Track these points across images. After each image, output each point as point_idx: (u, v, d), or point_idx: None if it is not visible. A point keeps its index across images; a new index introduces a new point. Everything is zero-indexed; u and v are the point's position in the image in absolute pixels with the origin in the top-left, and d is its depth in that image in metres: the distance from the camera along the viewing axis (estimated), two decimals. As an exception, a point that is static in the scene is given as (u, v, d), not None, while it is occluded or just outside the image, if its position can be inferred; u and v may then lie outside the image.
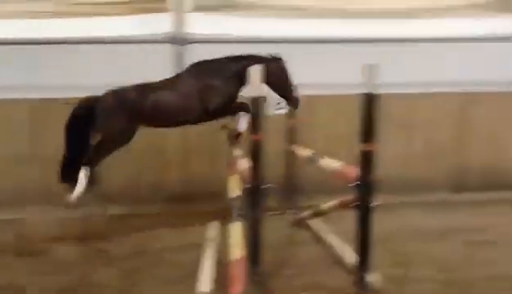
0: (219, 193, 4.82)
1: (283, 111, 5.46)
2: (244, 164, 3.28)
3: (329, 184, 5.39)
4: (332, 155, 4.64)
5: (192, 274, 3.89)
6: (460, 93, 6.62)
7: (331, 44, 6.32)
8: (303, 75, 6.02)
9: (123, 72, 6.10)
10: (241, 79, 4.81)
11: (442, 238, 4.97)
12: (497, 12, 6.86)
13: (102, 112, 4.78)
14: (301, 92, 5.90)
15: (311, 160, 4.54)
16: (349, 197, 3.24)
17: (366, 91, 2.77)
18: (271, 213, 5.72)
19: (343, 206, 3.54)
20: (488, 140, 6.75)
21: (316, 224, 5.07)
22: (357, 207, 2.98)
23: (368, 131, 2.85)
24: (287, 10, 6.33)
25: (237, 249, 2.84)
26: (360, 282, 3.29)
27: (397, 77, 6.29)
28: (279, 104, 5.57)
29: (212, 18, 6.15)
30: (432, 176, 6.66)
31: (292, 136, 5.47)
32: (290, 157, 5.59)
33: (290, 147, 5.46)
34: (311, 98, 6.30)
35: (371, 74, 2.75)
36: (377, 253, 4.44)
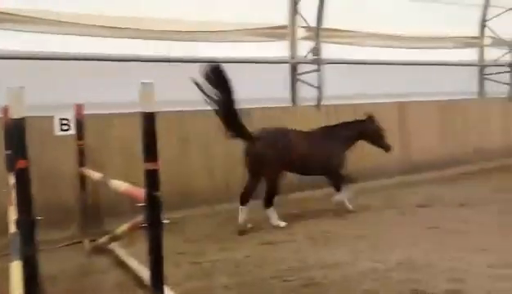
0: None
1: (70, 132, 5.11)
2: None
3: (125, 206, 5.28)
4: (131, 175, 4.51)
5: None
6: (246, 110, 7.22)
7: (111, 62, 6.18)
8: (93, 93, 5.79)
9: None
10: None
11: (239, 243, 5.31)
12: (270, 38, 7.75)
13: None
14: (92, 111, 5.65)
15: (101, 183, 4.32)
16: (139, 217, 3.17)
17: (142, 109, 2.76)
18: (67, 243, 5.30)
19: (134, 227, 3.45)
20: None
21: (116, 248, 4.84)
22: (147, 226, 2.92)
23: (149, 150, 2.83)
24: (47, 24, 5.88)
25: (15, 291, 2.50)
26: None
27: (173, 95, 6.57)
28: (65, 124, 5.19)
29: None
30: (229, 186, 7.08)
31: (82, 158, 5.12)
32: (83, 180, 5.24)
33: (81, 170, 5.11)
34: (102, 117, 6.08)
35: (147, 92, 2.75)
36: (178, 268, 4.51)
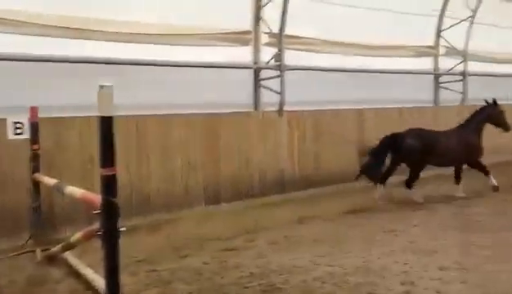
0: None
1: (24, 136, 4.92)
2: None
3: (81, 213, 5.12)
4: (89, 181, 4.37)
5: None
6: (208, 114, 7.19)
7: (68, 64, 6.02)
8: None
9: None
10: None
11: (199, 250, 5.23)
12: (233, 43, 7.75)
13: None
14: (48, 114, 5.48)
15: (56, 189, 4.17)
16: (95, 225, 3.08)
17: (100, 113, 2.68)
18: (18, 252, 5.09)
19: (89, 235, 3.34)
20: (235, 155, 7.52)
21: (70, 257, 4.67)
22: (103, 234, 2.84)
23: (106, 155, 2.76)
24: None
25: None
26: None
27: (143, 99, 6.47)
28: (18, 127, 5.00)
29: None
30: (189, 192, 7.01)
31: (36, 163, 4.93)
32: (37, 186, 5.05)
33: (35, 176, 4.92)
34: (58, 120, 5.89)
35: (105, 95, 2.68)
36: (135, 276, 4.41)
